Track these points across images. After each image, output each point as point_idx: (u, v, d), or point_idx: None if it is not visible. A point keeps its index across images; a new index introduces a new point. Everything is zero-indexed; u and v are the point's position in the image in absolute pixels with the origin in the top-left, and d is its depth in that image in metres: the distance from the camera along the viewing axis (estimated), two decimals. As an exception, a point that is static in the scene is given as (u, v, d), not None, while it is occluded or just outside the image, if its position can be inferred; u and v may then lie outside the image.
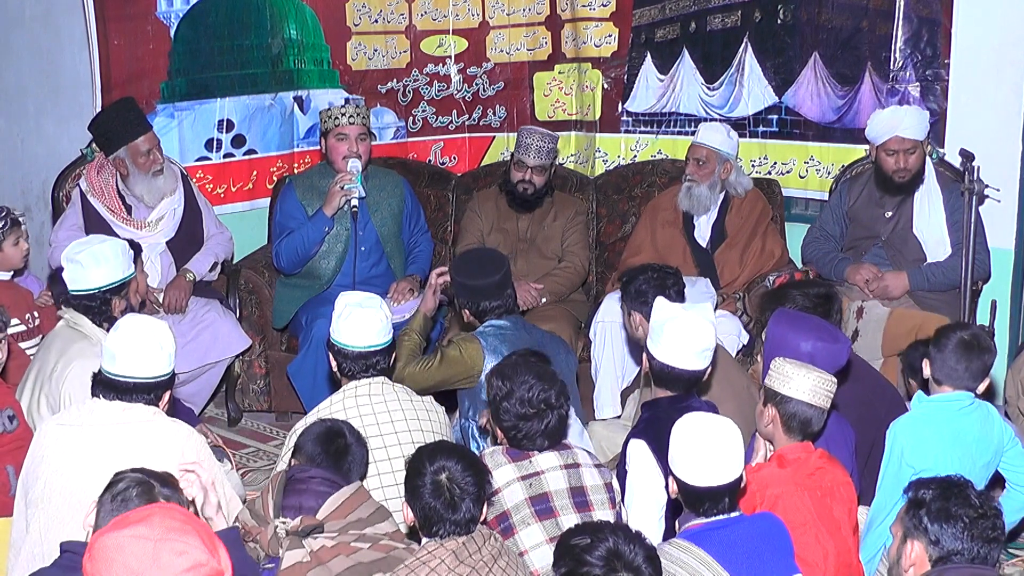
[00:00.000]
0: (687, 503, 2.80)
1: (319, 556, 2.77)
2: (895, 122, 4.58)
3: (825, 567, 2.98)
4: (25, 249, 4.40)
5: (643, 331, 3.61)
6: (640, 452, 3.22)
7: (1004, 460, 3.44)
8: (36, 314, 4.35)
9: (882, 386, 3.80)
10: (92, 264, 3.62)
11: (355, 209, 4.78)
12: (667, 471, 2.86)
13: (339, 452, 3.09)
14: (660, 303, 3.41)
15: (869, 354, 4.30)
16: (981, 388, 3.40)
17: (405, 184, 5.11)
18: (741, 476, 2.77)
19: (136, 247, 4.24)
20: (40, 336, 4.23)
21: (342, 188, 4.71)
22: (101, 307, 3.66)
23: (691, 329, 3.28)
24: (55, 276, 4.17)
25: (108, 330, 3.58)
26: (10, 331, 4.17)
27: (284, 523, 2.80)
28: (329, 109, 4.95)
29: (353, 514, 2.87)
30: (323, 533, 2.81)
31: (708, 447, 2.73)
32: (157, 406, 3.12)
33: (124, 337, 3.08)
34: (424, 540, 2.74)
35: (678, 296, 3.77)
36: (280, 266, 4.95)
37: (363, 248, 4.93)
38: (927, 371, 3.41)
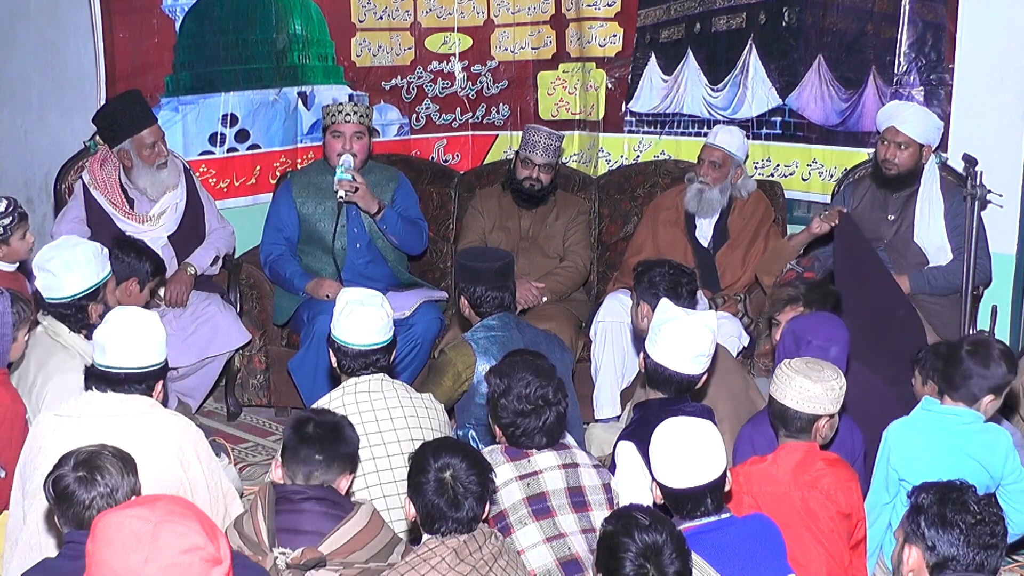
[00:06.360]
0: (670, 506, 2.80)
1: None
2: (895, 112, 4.63)
3: (816, 570, 2.97)
4: (31, 242, 4.40)
5: (647, 323, 3.63)
6: (628, 453, 3.22)
7: (1004, 490, 3.35)
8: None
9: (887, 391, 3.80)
10: (64, 271, 3.55)
11: (343, 199, 4.77)
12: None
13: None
14: (664, 304, 3.41)
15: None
16: (985, 404, 3.35)
17: (401, 178, 5.09)
18: (723, 478, 2.77)
19: (161, 268, 4.26)
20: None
21: (336, 192, 4.74)
22: (77, 315, 3.59)
23: (689, 333, 3.28)
24: None
25: (87, 337, 3.55)
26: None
27: (284, 554, 2.70)
28: (329, 105, 4.96)
29: (371, 544, 2.77)
30: (325, 567, 2.72)
31: (683, 449, 2.74)
32: (151, 396, 3.12)
33: (112, 328, 3.08)
34: (425, 537, 2.73)
35: (689, 296, 3.78)
36: (263, 270, 5.03)
37: (358, 245, 4.94)
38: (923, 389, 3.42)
